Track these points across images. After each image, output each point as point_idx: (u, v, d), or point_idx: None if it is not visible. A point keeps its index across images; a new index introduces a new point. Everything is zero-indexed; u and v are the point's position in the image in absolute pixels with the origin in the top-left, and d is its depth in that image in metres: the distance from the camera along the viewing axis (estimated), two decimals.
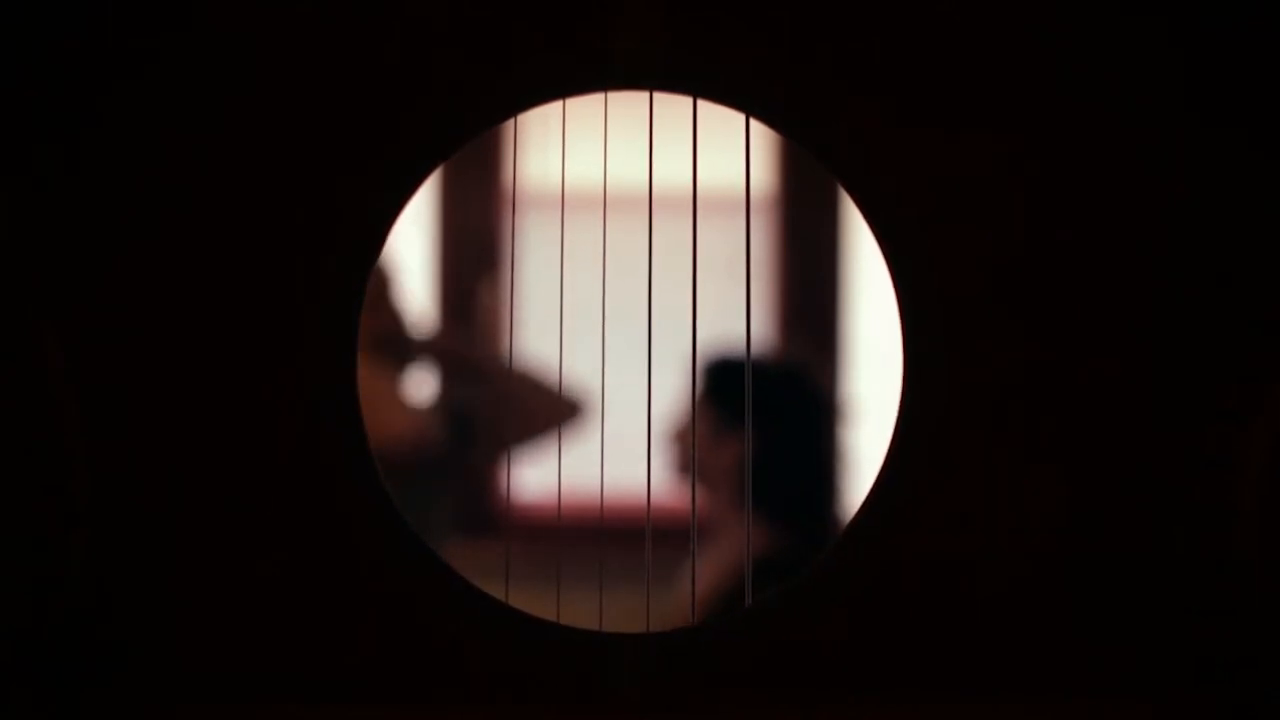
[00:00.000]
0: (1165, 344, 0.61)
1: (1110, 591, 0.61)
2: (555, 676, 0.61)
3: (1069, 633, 0.61)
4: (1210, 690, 0.61)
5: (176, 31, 0.60)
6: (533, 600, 0.63)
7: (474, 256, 2.30)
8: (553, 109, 0.62)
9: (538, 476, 1.81)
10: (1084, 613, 0.61)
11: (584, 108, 0.63)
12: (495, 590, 0.62)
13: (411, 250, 2.25)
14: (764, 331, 2.42)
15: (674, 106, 0.63)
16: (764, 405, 1.60)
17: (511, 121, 0.62)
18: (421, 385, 1.66)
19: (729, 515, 1.57)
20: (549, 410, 1.64)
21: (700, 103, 0.62)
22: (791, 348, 2.36)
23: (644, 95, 0.62)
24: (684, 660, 0.61)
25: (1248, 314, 0.61)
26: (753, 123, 0.62)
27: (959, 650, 0.61)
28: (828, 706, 0.61)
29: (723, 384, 1.57)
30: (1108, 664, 0.61)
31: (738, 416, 1.53)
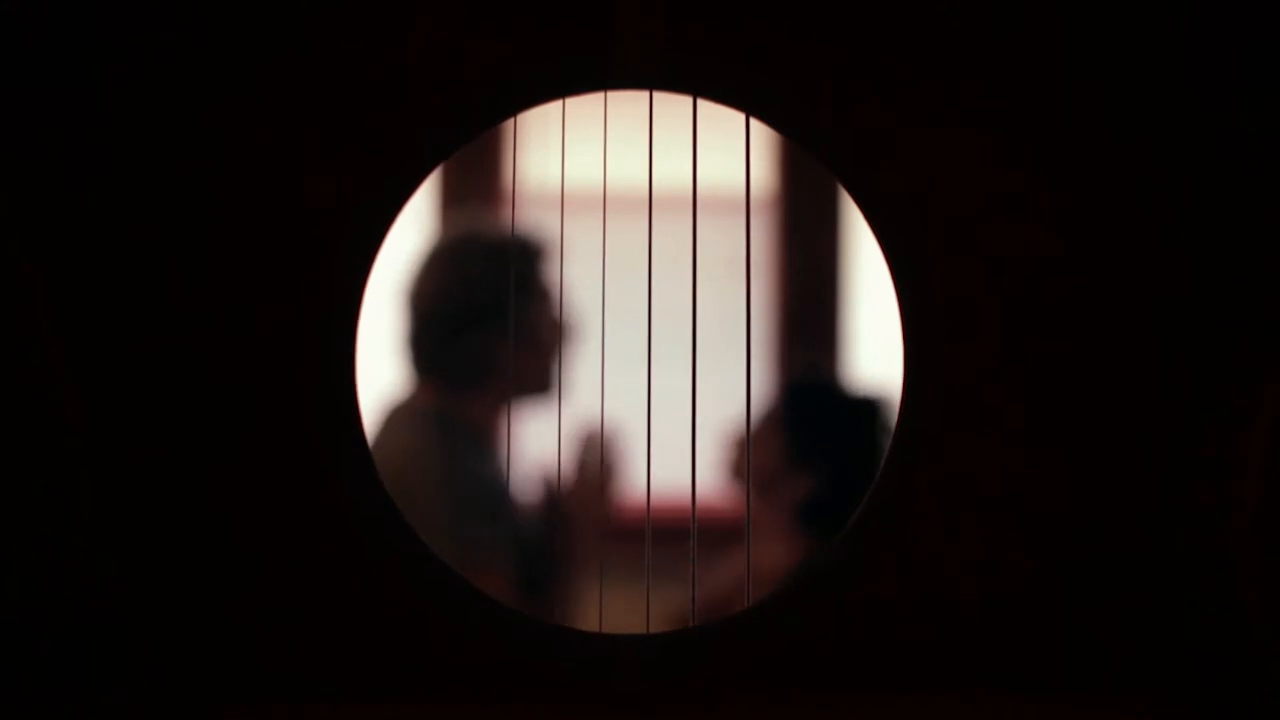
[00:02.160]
0: (1165, 344, 0.61)
1: (1110, 591, 0.61)
2: (555, 676, 0.61)
3: (1069, 633, 0.61)
4: (1210, 690, 0.61)
5: (178, 32, 0.60)
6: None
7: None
8: (553, 109, 0.62)
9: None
10: (1084, 613, 0.61)
11: (584, 108, 0.63)
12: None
13: (411, 250, 2.25)
14: (764, 331, 2.42)
15: (674, 106, 0.63)
16: (837, 435, 1.60)
17: (511, 121, 0.62)
18: None
19: (776, 520, 1.58)
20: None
21: (700, 103, 0.62)
22: (792, 347, 2.36)
23: (644, 95, 0.62)
24: (684, 660, 0.61)
25: (1248, 314, 0.61)
26: (753, 123, 0.62)
27: (959, 650, 0.61)
28: (827, 706, 0.61)
29: (802, 410, 1.58)
30: (1108, 664, 0.61)
31: (811, 445, 1.55)
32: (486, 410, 1.61)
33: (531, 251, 1.61)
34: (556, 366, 1.61)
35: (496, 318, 1.59)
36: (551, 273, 1.62)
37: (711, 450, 1.67)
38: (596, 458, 1.64)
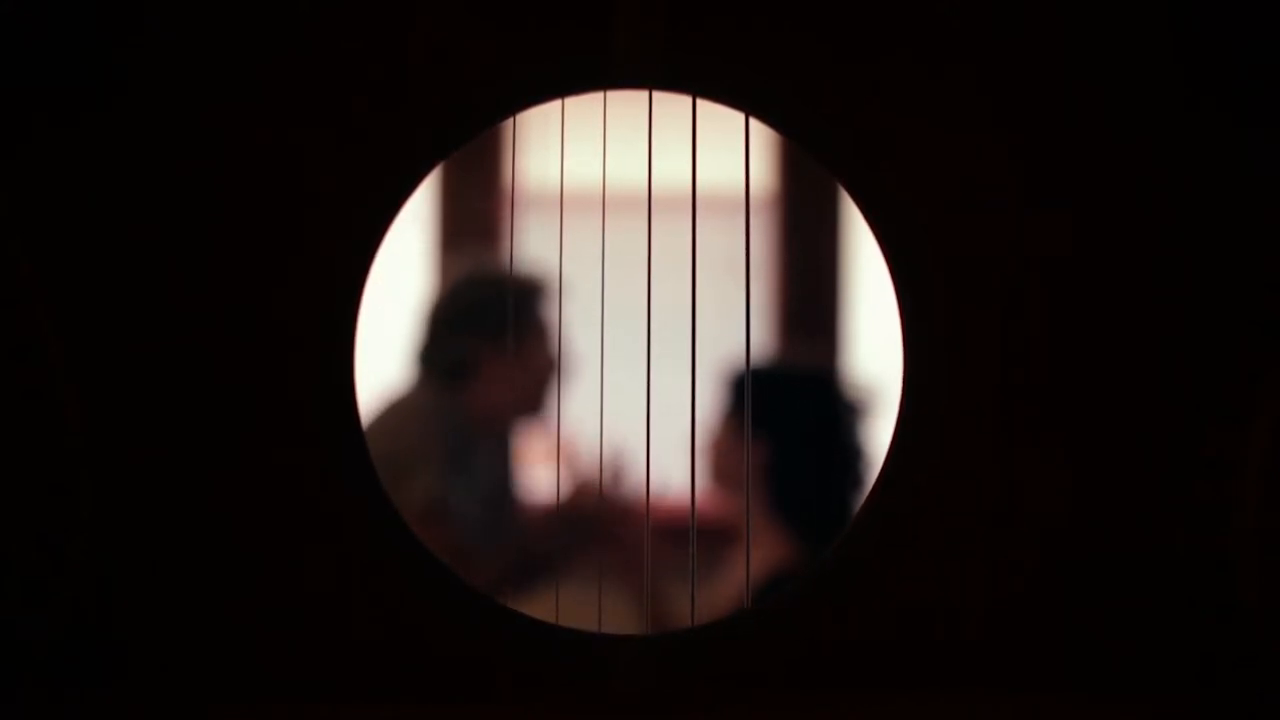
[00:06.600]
0: (1165, 344, 0.61)
1: (1110, 591, 0.61)
2: (555, 677, 0.61)
3: (1069, 633, 0.61)
4: (1210, 690, 0.61)
5: (178, 32, 0.60)
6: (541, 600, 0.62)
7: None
8: (553, 109, 0.62)
9: (542, 476, 1.82)
10: (1084, 613, 0.61)
11: (584, 108, 0.63)
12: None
13: (411, 250, 2.25)
14: (764, 331, 2.42)
15: (674, 106, 0.63)
16: (790, 414, 1.60)
17: (511, 121, 0.62)
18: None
19: (756, 520, 1.58)
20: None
21: (700, 103, 0.62)
22: (792, 348, 2.36)
23: (644, 95, 0.62)
24: (684, 660, 0.61)
25: (1248, 314, 0.61)
26: (753, 123, 0.62)
27: (959, 650, 0.61)
28: (828, 706, 0.61)
29: (754, 393, 1.58)
30: (1108, 664, 0.61)
31: (765, 426, 1.55)
32: (476, 409, 1.70)
33: (531, 288, 1.72)
34: (546, 393, 1.72)
35: (486, 329, 1.70)
36: (549, 309, 1.72)
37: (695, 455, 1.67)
38: (597, 471, 1.70)
